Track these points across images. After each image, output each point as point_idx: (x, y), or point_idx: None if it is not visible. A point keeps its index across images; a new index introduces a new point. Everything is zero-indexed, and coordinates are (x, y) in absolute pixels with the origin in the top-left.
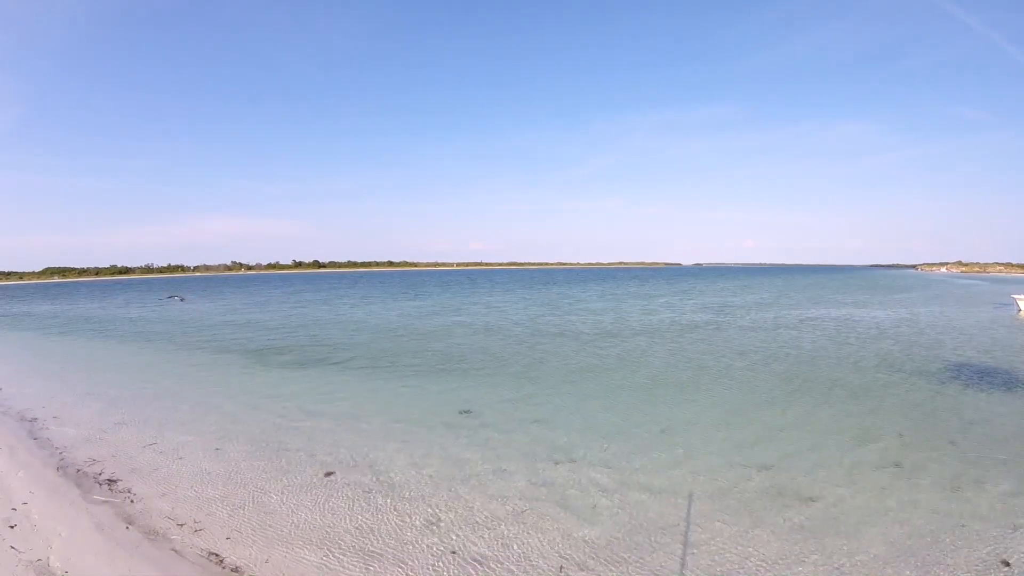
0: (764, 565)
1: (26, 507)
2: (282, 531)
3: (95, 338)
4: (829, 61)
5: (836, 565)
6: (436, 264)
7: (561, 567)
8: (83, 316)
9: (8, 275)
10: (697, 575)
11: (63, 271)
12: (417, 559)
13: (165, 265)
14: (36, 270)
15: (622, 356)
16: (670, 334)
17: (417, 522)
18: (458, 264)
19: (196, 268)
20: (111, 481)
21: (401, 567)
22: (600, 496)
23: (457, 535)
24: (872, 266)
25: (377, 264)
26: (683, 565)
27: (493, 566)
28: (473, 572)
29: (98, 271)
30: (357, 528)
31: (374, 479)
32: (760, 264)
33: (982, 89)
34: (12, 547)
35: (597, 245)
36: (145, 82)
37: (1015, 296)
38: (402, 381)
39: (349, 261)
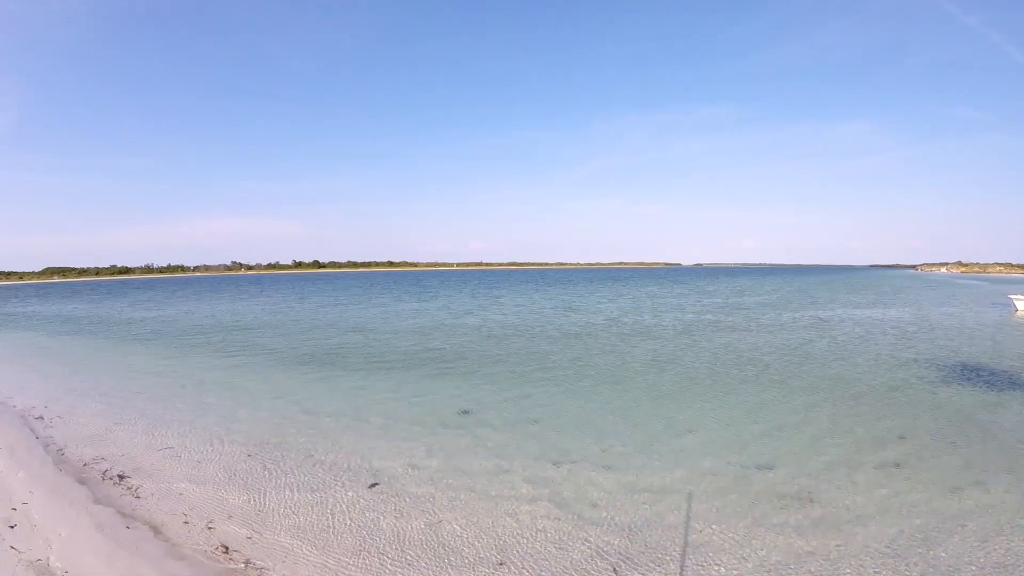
0: (764, 565)
1: (26, 507)
2: (281, 531)
3: (95, 338)
4: (829, 61)
5: (836, 565)
6: (436, 264)
7: (561, 567)
8: (83, 316)
9: (8, 275)
10: (697, 574)
11: (63, 271)
12: (418, 559)
13: (165, 265)
14: (36, 270)
15: (621, 357)
16: (668, 335)
17: (418, 522)
18: (458, 264)
19: (196, 268)
20: (111, 481)
21: (402, 567)
22: (600, 496)
23: (457, 535)
24: (872, 266)
25: (377, 264)
26: (683, 565)
27: (493, 567)
28: (474, 572)
29: (98, 271)
30: (357, 528)
31: (374, 479)
32: (760, 264)
33: (982, 89)
34: (12, 547)
35: (597, 245)
36: (145, 82)
37: (1012, 296)
38: (401, 380)
39: (349, 261)
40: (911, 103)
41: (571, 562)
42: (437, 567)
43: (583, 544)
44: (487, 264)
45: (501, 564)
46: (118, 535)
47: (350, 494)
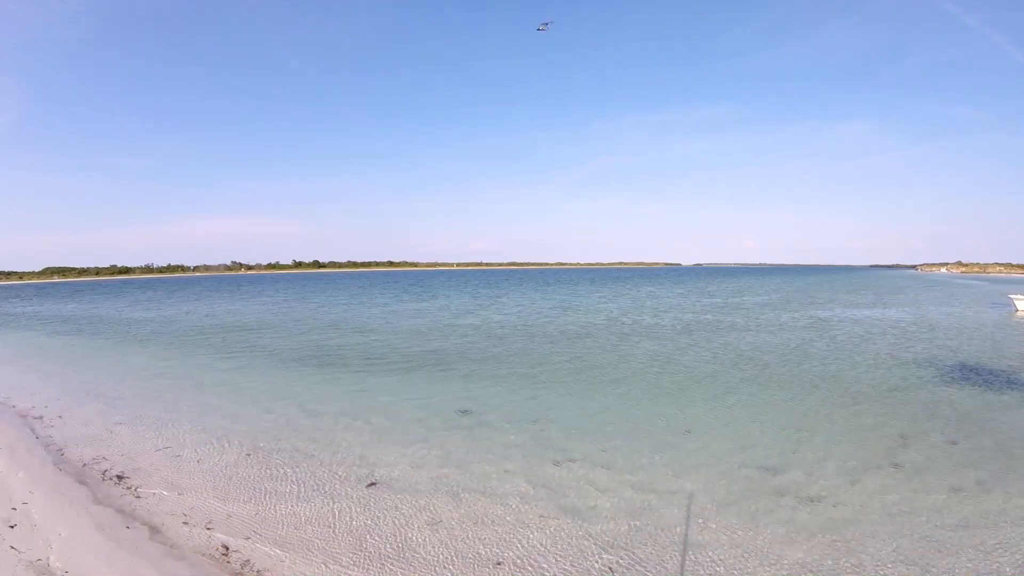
0: (764, 565)
1: (26, 507)
2: (282, 531)
3: (94, 338)
4: (829, 61)
5: (836, 565)
6: (436, 264)
7: (561, 567)
8: (82, 316)
9: (8, 275)
10: (697, 575)
11: (63, 271)
12: (418, 559)
13: (165, 265)
14: (36, 270)
15: (621, 357)
16: (668, 335)
17: (418, 523)
18: (458, 264)
19: (196, 268)
20: (111, 481)
21: (402, 567)
22: (600, 496)
23: (457, 535)
24: (872, 266)
25: (377, 264)
26: (683, 565)
27: (493, 566)
28: (474, 573)
29: (98, 271)
30: (358, 528)
31: (374, 479)
32: (760, 264)
33: (982, 89)
34: (12, 547)
35: (597, 245)
36: (145, 82)
37: (1012, 296)
38: (402, 381)
39: (349, 261)
40: (911, 103)
41: (571, 562)
42: (437, 567)
43: (583, 544)
44: (487, 264)
45: (499, 564)
46: (118, 535)
47: (350, 494)
